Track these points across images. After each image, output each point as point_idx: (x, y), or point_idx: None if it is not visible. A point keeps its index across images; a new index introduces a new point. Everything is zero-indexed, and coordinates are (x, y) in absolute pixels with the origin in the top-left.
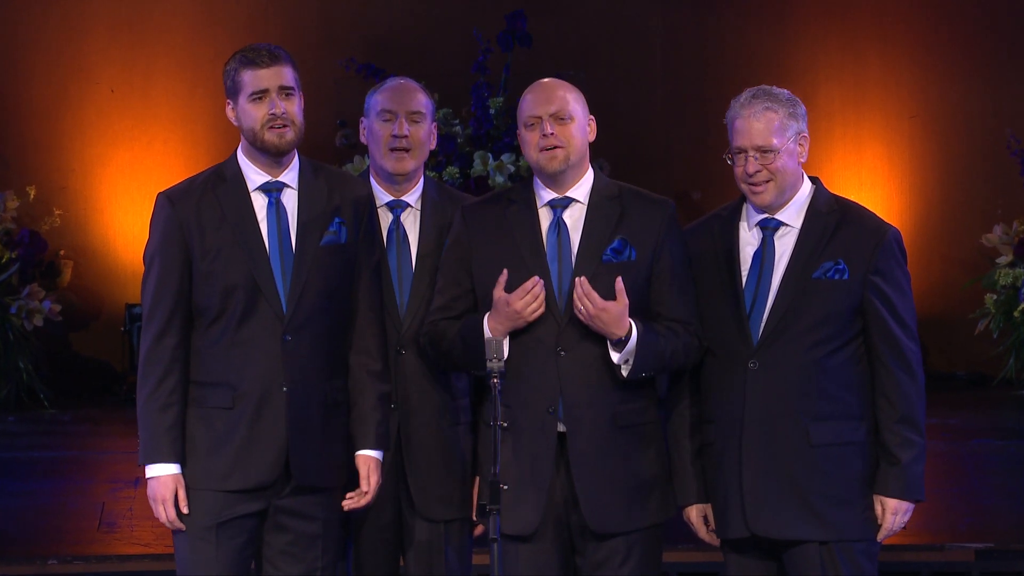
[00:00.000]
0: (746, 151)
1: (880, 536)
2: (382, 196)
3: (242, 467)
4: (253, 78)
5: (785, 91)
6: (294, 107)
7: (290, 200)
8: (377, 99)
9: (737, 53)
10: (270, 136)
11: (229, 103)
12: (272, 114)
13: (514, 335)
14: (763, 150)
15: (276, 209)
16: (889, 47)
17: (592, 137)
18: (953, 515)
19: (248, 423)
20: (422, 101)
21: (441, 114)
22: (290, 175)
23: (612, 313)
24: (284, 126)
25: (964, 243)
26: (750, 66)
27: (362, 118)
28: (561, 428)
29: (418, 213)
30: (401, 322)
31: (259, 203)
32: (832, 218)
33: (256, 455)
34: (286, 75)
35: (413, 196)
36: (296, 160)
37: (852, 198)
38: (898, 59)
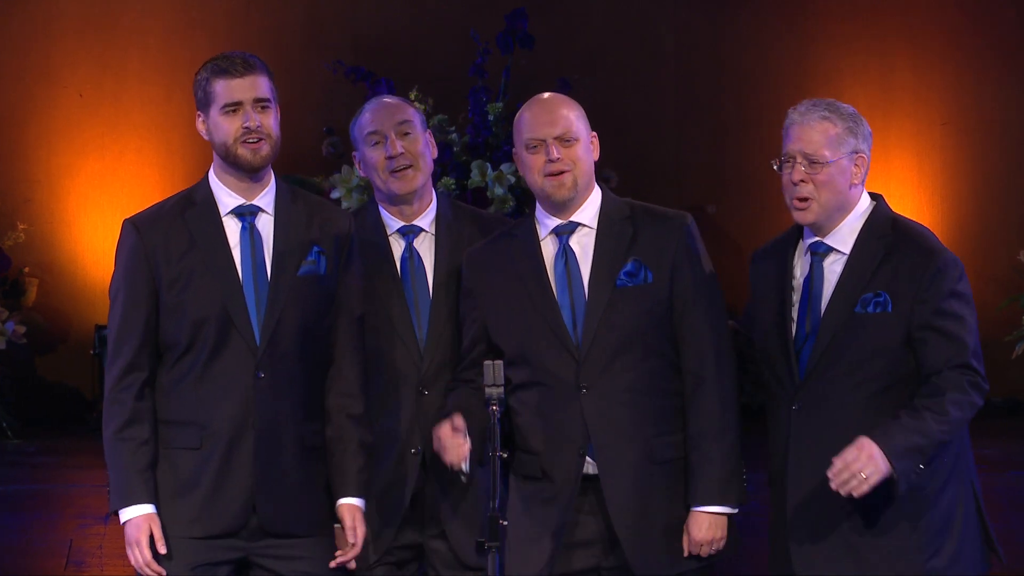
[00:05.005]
0: (794, 158)
1: None
2: (392, 223)
3: (208, 512)
4: (226, 89)
5: (851, 107)
6: (270, 120)
7: (265, 226)
8: (361, 124)
9: (755, 56)
10: (243, 151)
11: (200, 115)
12: (246, 127)
13: (535, 377)
14: (811, 160)
15: (250, 234)
16: (919, 49)
17: (596, 155)
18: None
19: (217, 465)
20: (408, 111)
21: (436, 121)
22: (266, 199)
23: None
24: (259, 140)
25: (999, 260)
26: (769, 70)
27: (354, 152)
28: (591, 470)
29: (432, 238)
30: (421, 358)
31: (231, 228)
32: (883, 243)
33: (224, 500)
34: (262, 86)
35: (426, 219)
36: (273, 183)
37: None
38: (928, 62)
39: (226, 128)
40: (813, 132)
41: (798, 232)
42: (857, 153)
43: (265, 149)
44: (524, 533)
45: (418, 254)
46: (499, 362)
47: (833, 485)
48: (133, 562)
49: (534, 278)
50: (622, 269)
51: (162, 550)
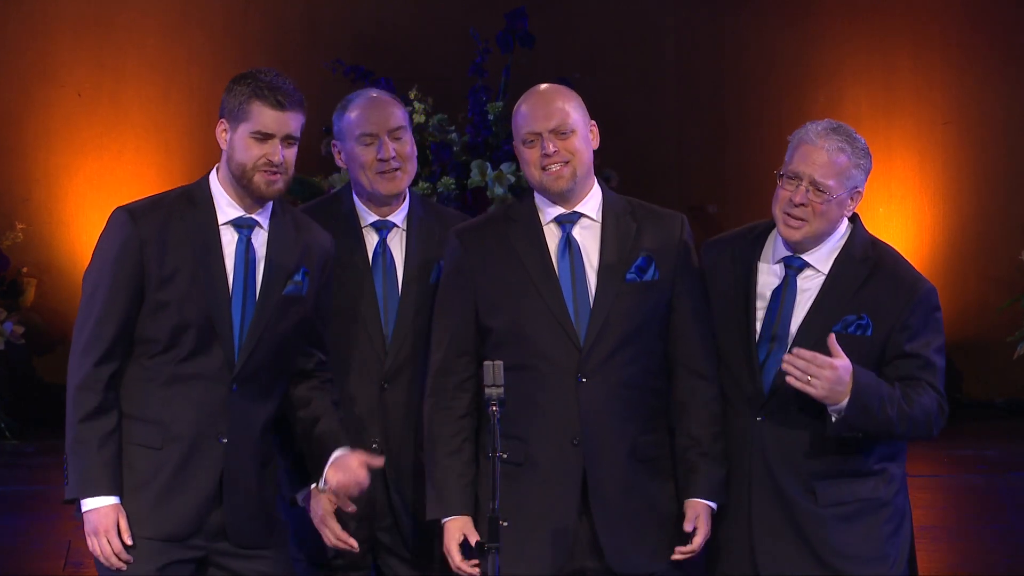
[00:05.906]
0: (802, 180)
1: None
2: (367, 216)
3: (158, 514)
4: (263, 116)
5: (863, 140)
6: (292, 156)
7: (260, 241)
8: (351, 119)
9: (757, 55)
10: (259, 179)
11: (224, 123)
12: (270, 161)
13: (527, 361)
14: (819, 187)
15: (246, 248)
16: (921, 48)
17: (596, 144)
18: (990, 554)
19: (173, 469)
20: (399, 115)
21: (436, 120)
22: (263, 214)
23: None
24: (277, 174)
25: (1001, 260)
26: (771, 69)
27: (334, 141)
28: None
29: (404, 233)
30: (386, 353)
31: (227, 238)
32: (865, 266)
33: (175, 504)
34: (296, 123)
35: (399, 215)
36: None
37: (880, 210)
38: (930, 61)
39: (251, 153)
40: (827, 160)
41: (762, 236)
42: (857, 190)
43: (279, 184)
44: (523, 526)
45: (389, 249)
46: (499, 362)
47: (785, 358)
48: (99, 552)
49: (538, 263)
50: (633, 263)
51: (128, 542)
